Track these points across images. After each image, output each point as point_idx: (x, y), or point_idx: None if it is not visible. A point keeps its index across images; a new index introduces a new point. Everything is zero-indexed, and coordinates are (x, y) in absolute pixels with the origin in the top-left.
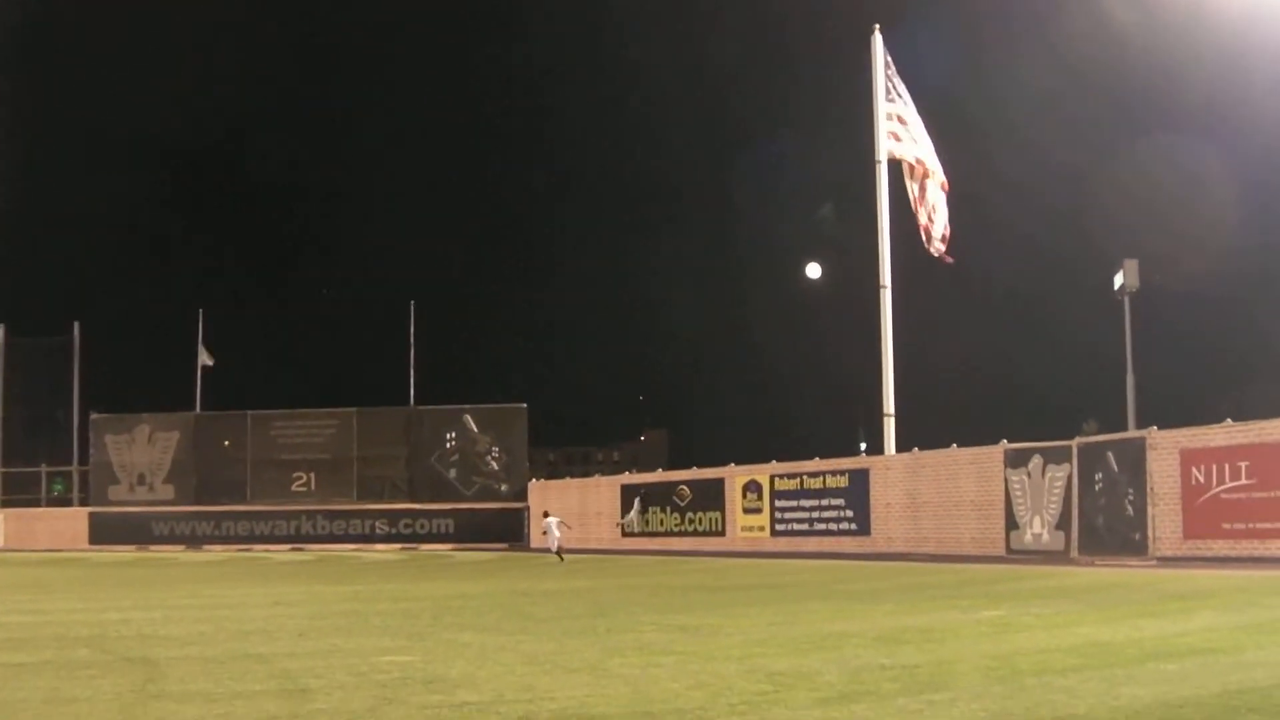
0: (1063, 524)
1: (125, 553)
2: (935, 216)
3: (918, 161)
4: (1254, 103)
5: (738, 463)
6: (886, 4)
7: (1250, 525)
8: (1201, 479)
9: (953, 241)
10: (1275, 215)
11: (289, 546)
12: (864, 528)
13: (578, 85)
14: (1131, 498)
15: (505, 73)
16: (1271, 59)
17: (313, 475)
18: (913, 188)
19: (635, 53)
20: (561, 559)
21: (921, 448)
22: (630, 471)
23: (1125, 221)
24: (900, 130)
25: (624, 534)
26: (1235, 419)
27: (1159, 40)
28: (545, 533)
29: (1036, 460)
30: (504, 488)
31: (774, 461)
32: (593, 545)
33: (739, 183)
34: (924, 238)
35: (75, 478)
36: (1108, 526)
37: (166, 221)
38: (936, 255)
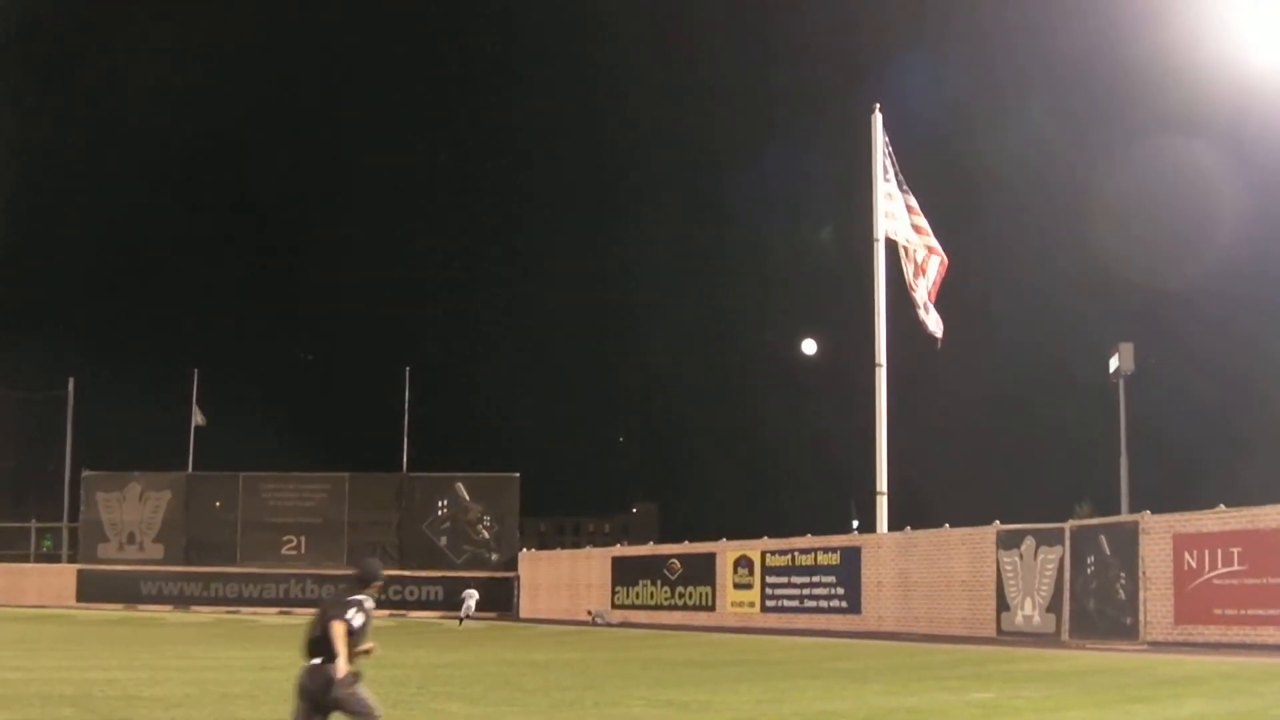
0: (1054, 606)
1: (113, 611)
2: (927, 303)
3: (911, 240)
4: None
5: (729, 537)
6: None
7: (1242, 611)
8: (1194, 564)
9: (947, 321)
10: (1271, 292)
11: (277, 610)
12: (855, 606)
13: (573, 147)
14: (1123, 581)
15: (497, 126)
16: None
17: (303, 538)
18: (908, 269)
19: (627, 105)
20: (460, 624)
21: (914, 527)
22: (621, 544)
23: (1122, 304)
24: (898, 210)
25: (460, 625)
26: (1228, 504)
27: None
28: (463, 601)
29: (1029, 542)
30: (494, 556)
31: (765, 537)
32: (583, 617)
33: (733, 255)
34: (922, 317)
35: (65, 534)
36: (1099, 610)
37: (163, 280)
38: (930, 336)
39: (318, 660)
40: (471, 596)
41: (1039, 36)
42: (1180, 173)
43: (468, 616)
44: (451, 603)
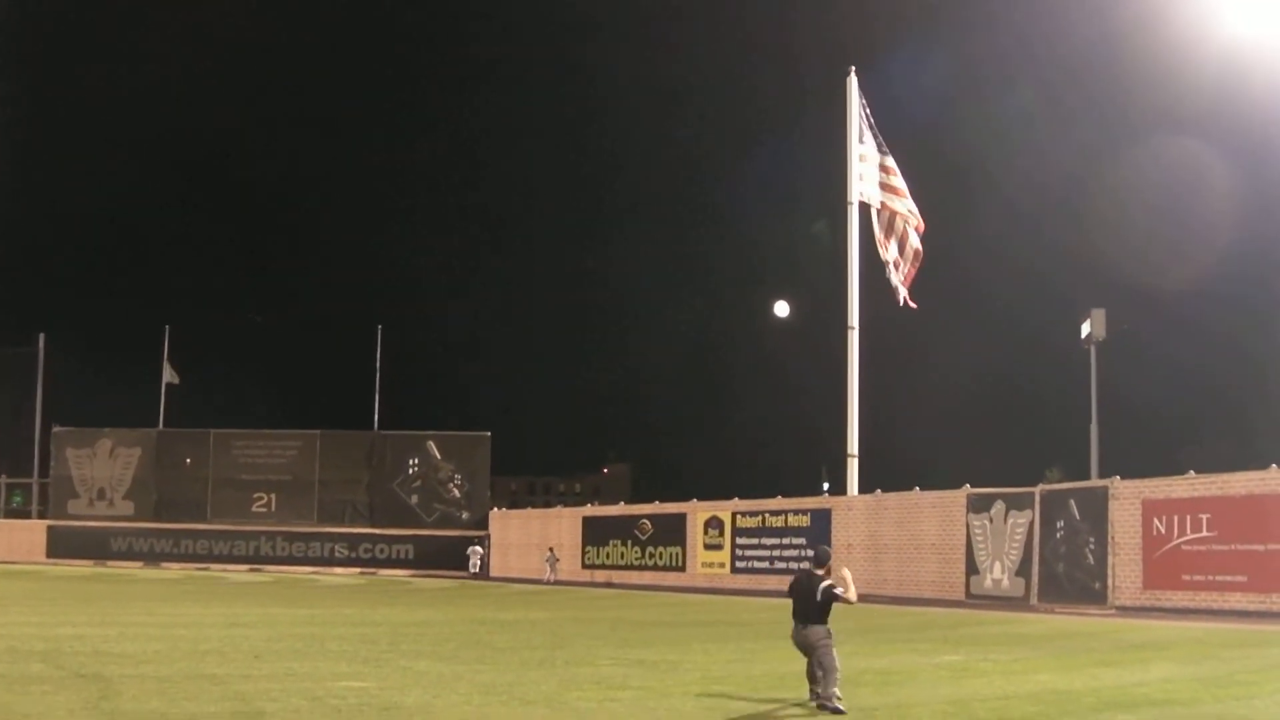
0: (1023, 570)
1: (83, 567)
2: (903, 259)
3: (884, 205)
4: (1234, 154)
5: (700, 498)
6: (866, 42)
7: (1210, 577)
8: (1163, 530)
9: (919, 286)
10: (1247, 265)
11: (247, 567)
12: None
13: (552, 116)
14: (1092, 546)
15: (480, 102)
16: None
17: (273, 496)
18: (879, 229)
19: (604, 83)
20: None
21: (884, 489)
22: (592, 504)
23: (1094, 267)
24: (869, 172)
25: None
26: (1198, 471)
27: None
28: (468, 557)
29: (999, 506)
30: (465, 515)
31: (736, 499)
32: (553, 577)
33: (708, 215)
34: (891, 279)
35: (35, 490)
36: (1068, 574)
37: (136, 237)
38: (901, 299)
39: (803, 624)
40: (476, 553)
41: (1022, 19)
42: (1158, 151)
43: (476, 573)
44: (424, 561)
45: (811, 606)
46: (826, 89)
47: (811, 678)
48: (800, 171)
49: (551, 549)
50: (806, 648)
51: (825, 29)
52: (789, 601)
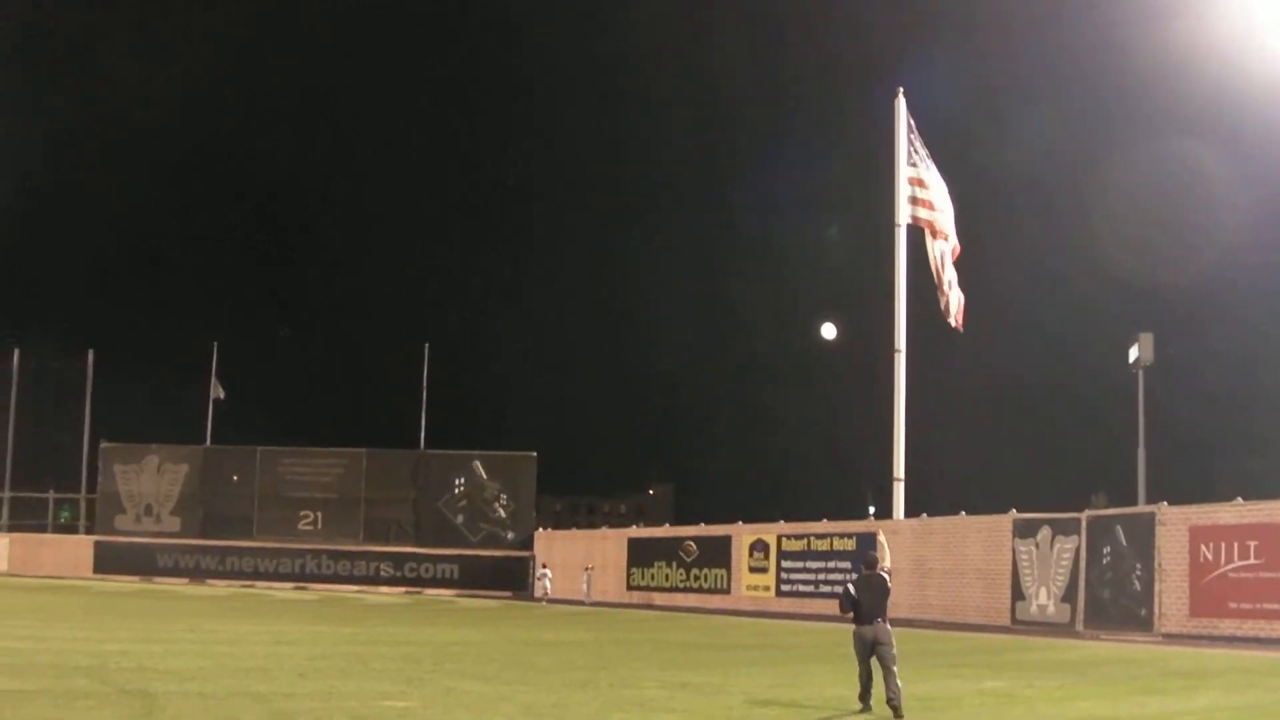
0: (1069, 596)
1: (129, 583)
2: (951, 282)
3: (937, 226)
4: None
5: (745, 521)
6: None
7: (1258, 605)
8: (1210, 556)
9: (967, 309)
10: None
11: (293, 585)
12: None
13: (596, 135)
14: (1139, 573)
15: (513, 116)
16: None
17: (319, 514)
18: (934, 251)
19: (642, 93)
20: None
21: (930, 514)
22: (637, 525)
23: (1142, 294)
24: (921, 194)
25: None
26: (1246, 497)
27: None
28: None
29: (1045, 531)
30: (510, 535)
31: (781, 521)
32: (597, 597)
33: (754, 240)
34: (942, 302)
35: (82, 505)
36: (1114, 600)
37: (185, 254)
38: (952, 322)
39: (873, 621)
40: (546, 576)
41: (1056, 31)
42: (1195, 168)
43: (546, 597)
44: (469, 580)
45: (883, 600)
46: (861, 103)
47: (866, 683)
48: (848, 190)
49: (588, 568)
50: (876, 645)
51: (860, 38)
52: (833, 626)
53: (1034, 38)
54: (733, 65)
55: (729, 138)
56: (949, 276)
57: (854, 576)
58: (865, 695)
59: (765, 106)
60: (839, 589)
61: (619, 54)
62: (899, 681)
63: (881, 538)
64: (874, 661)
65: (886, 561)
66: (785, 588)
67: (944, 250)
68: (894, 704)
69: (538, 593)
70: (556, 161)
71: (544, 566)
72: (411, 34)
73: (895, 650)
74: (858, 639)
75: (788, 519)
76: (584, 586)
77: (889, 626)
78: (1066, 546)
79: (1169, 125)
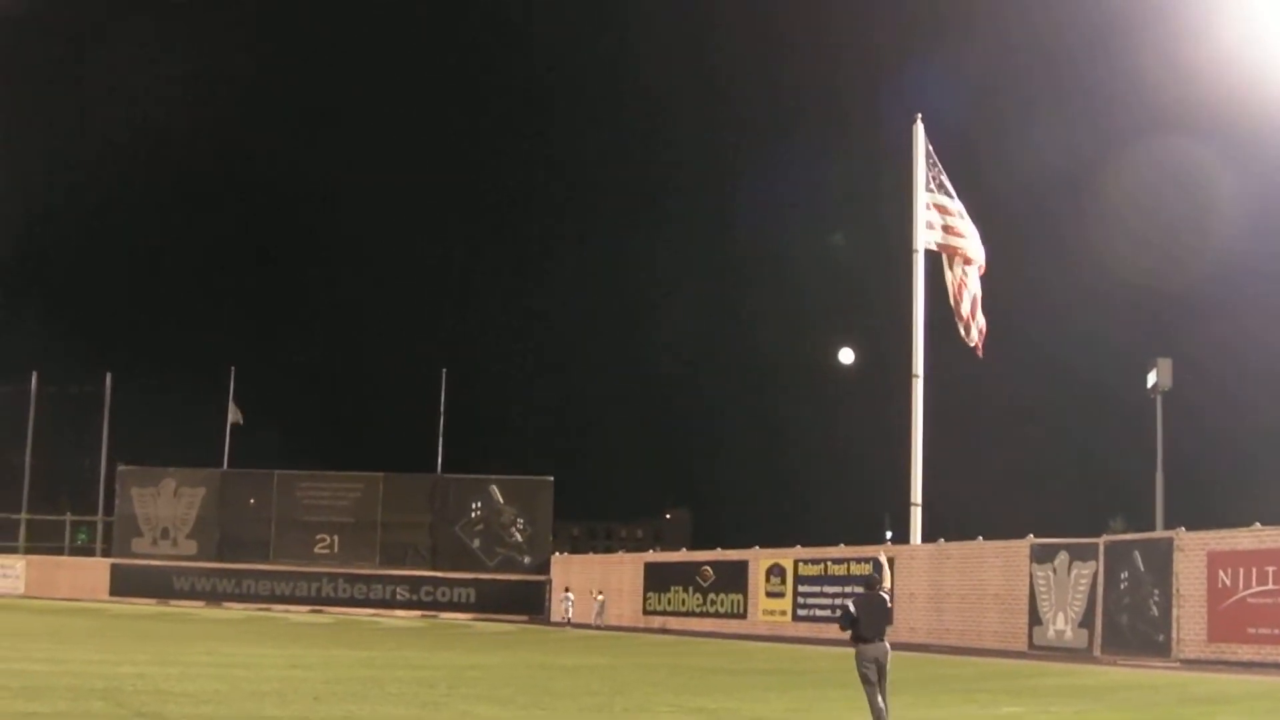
0: (1086, 621)
1: (145, 606)
2: (975, 307)
3: (964, 252)
4: None
5: (761, 545)
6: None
7: (1276, 631)
8: (1228, 582)
9: (986, 333)
10: None
11: (309, 608)
12: None
13: (609, 150)
14: (1157, 598)
15: (529, 136)
16: None
17: (336, 538)
18: (953, 277)
19: (665, 126)
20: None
21: (947, 539)
22: (654, 550)
23: (1160, 318)
24: (938, 219)
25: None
26: (1264, 522)
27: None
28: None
29: (1062, 556)
30: (527, 560)
31: (798, 546)
32: (613, 622)
33: (765, 260)
34: (962, 328)
35: (99, 528)
36: (1131, 626)
37: (202, 278)
38: (973, 346)
39: (876, 641)
40: (569, 600)
41: (1063, 34)
42: (1214, 181)
43: (568, 620)
44: (485, 604)
45: (883, 620)
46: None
47: (878, 708)
48: (857, 197)
49: (599, 595)
50: (879, 668)
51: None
52: (851, 651)
53: (1040, 40)
54: (738, 69)
55: (734, 142)
56: (970, 301)
57: (855, 595)
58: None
59: (771, 110)
60: (845, 605)
61: (629, 53)
62: (887, 702)
63: (883, 558)
64: None
65: (887, 582)
66: (802, 612)
67: (966, 272)
68: None
69: (558, 616)
70: (569, 176)
71: (566, 590)
72: (415, 42)
73: (890, 675)
74: (861, 658)
75: (805, 544)
76: (595, 609)
77: (888, 646)
78: (1084, 572)
79: (1187, 136)
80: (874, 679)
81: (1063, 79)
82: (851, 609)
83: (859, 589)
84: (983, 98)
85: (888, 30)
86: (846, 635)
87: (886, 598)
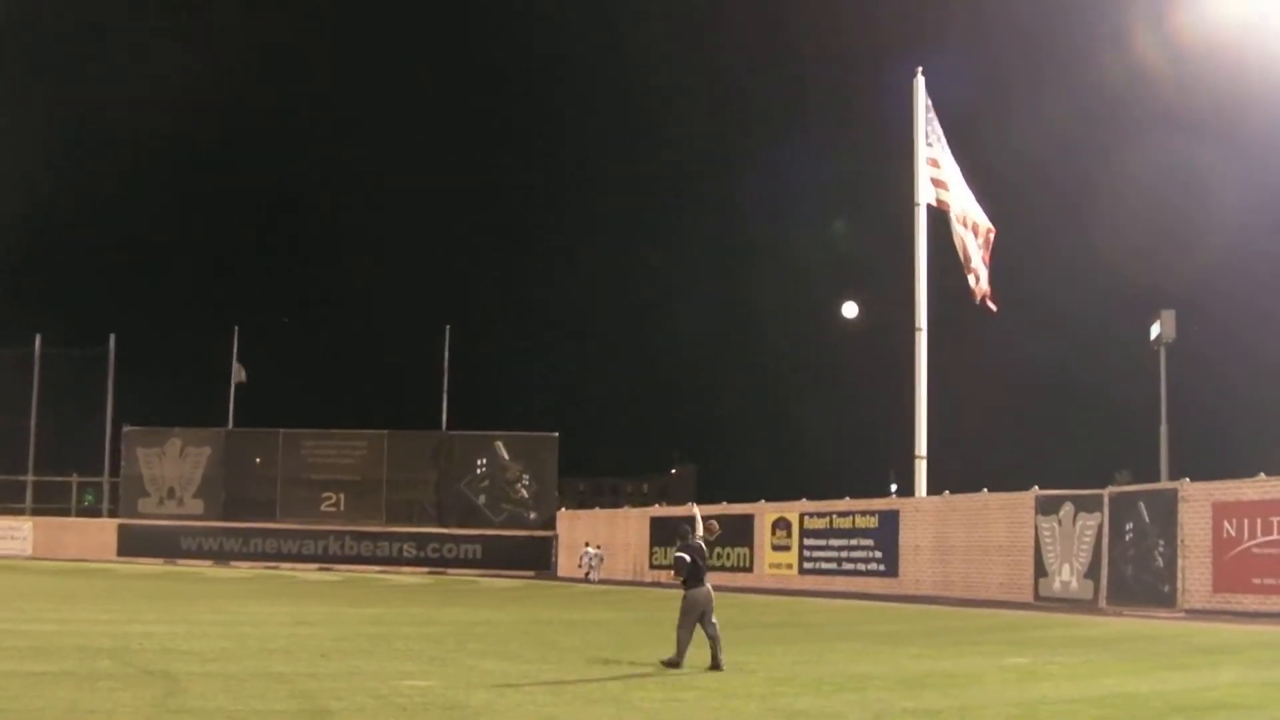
0: (1092, 573)
1: (152, 566)
2: (980, 264)
3: (951, 207)
4: None
5: (767, 499)
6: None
7: None
8: (1233, 532)
9: (992, 287)
10: None
11: (316, 566)
12: (892, 569)
13: (614, 114)
14: (1162, 549)
15: (550, 110)
16: None
17: (342, 496)
18: (960, 232)
19: (661, 87)
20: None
21: (952, 491)
22: (659, 504)
23: (1164, 269)
24: (938, 174)
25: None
26: (1269, 473)
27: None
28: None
29: (1068, 508)
30: (533, 515)
31: (804, 500)
32: (619, 576)
33: (772, 212)
34: (972, 282)
35: (106, 489)
36: (1137, 577)
37: (205, 238)
38: (979, 302)
39: (704, 583)
40: (591, 555)
41: (1072, 20)
42: (1217, 146)
43: (589, 577)
44: (491, 560)
45: (706, 566)
46: (873, 84)
47: (715, 639)
48: (863, 174)
49: (589, 544)
50: (709, 607)
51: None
52: (856, 604)
53: (1049, 26)
54: (744, 56)
55: (742, 123)
56: (975, 261)
57: (684, 546)
58: (714, 652)
59: (778, 93)
60: (862, 567)
61: (634, 45)
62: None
63: (695, 510)
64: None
65: (700, 531)
66: (808, 565)
67: (964, 232)
68: (721, 662)
69: (574, 571)
70: (570, 137)
71: (587, 545)
72: (422, 28)
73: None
74: (694, 601)
75: (810, 497)
76: (588, 565)
77: (710, 589)
78: (1089, 523)
79: (1187, 111)
80: (698, 619)
81: (1069, 53)
82: (688, 559)
83: (686, 546)
84: (992, 70)
85: (893, 21)
86: (679, 581)
87: (704, 546)
